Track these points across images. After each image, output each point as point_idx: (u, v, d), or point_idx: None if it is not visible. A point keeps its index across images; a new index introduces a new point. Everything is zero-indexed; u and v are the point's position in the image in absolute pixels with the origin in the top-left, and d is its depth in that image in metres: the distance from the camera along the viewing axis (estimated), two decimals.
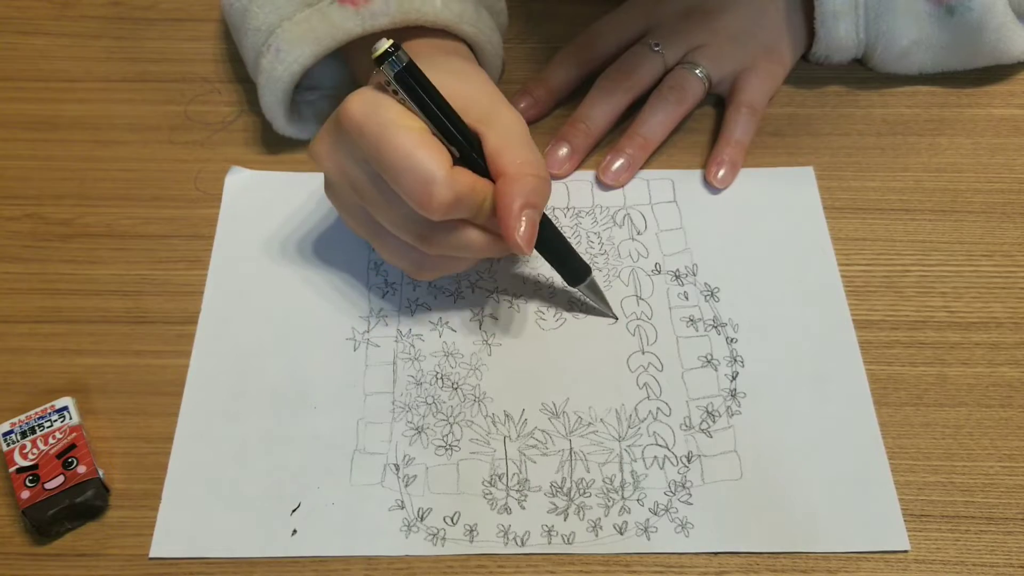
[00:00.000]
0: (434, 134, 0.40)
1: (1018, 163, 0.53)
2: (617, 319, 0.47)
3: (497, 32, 0.52)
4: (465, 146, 0.41)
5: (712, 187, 0.52)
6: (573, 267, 0.46)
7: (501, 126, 0.41)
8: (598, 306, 0.47)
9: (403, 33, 0.47)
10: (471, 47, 0.50)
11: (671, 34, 0.54)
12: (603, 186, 0.52)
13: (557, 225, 0.46)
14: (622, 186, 0.52)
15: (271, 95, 0.50)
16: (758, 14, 0.55)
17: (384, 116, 0.39)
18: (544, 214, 0.43)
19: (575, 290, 0.47)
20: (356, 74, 0.52)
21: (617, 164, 0.52)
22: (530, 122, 0.54)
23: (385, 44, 0.38)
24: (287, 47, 0.48)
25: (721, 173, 0.52)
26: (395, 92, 0.39)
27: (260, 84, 0.50)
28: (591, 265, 0.47)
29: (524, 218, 0.40)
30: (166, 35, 0.60)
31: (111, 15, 0.61)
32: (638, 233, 0.51)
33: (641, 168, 0.53)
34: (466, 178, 0.40)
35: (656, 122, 0.52)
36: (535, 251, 0.43)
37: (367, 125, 0.39)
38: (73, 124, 0.55)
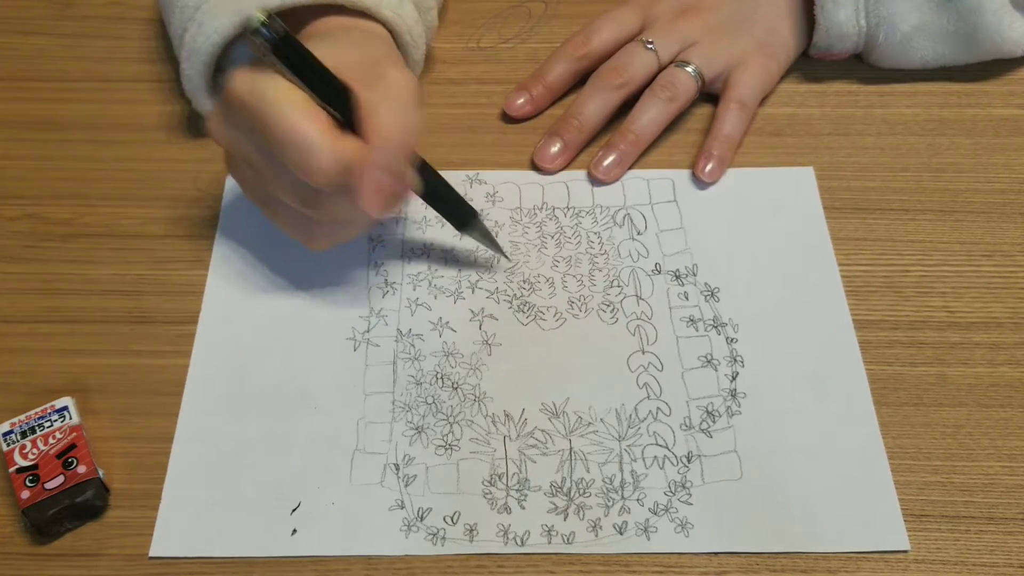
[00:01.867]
0: (318, 104, 0.40)
1: (1018, 163, 0.53)
2: (511, 260, 0.48)
3: (421, 25, 0.51)
4: (347, 111, 0.41)
5: (700, 182, 0.52)
6: (458, 213, 0.47)
7: (381, 88, 0.41)
8: (492, 248, 0.48)
9: (322, 11, 0.47)
10: (391, 35, 0.50)
11: (666, 31, 0.55)
12: (594, 181, 0.52)
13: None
14: (613, 181, 0.52)
15: (191, 68, 0.49)
16: (752, 8, 0.55)
17: (265, 90, 0.40)
18: (424, 160, 0.44)
19: (465, 233, 0.48)
20: None
21: (609, 160, 0.52)
22: (526, 118, 0.55)
23: (260, 16, 0.39)
24: (208, 20, 0.48)
25: (709, 167, 0.52)
26: (272, 63, 0.40)
27: (183, 58, 0.49)
28: (592, 265, 0.47)
29: (373, 182, 0.40)
30: (166, 35, 0.60)
31: (111, 15, 0.61)
32: (638, 233, 0.51)
33: (639, 167, 0.53)
34: (350, 145, 0.40)
35: (648, 119, 0.52)
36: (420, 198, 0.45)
37: (249, 100, 0.40)
38: (73, 124, 0.55)
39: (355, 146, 0.40)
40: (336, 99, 0.41)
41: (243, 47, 0.51)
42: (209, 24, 0.48)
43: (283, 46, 0.40)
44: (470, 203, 0.47)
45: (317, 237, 0.45)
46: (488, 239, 0.48)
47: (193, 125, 0.55)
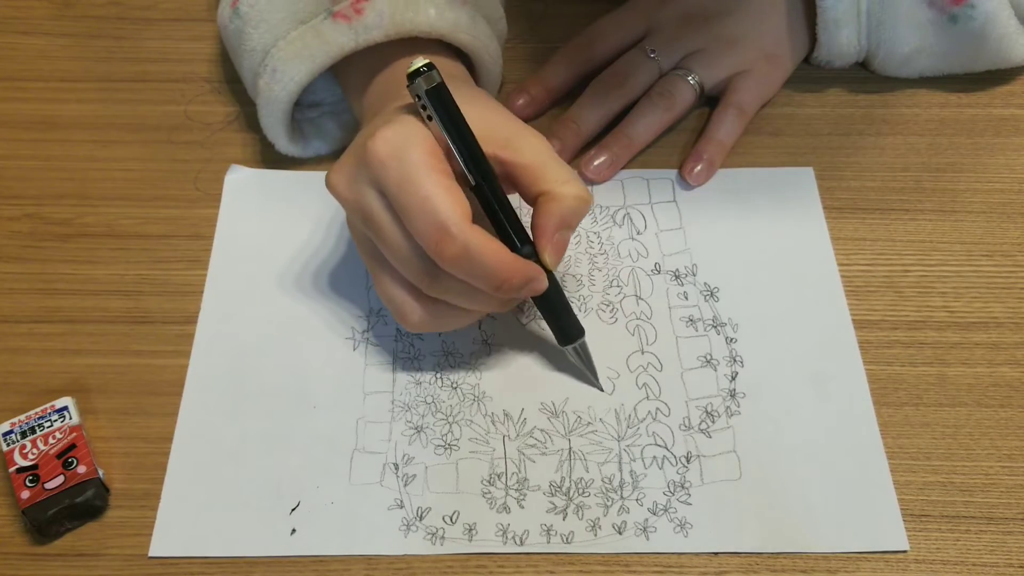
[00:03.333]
0: (455, 158, 0.39)
1: (1018, 163, 0.53)
2: (603, 391, 0.45)
3: (495, 40, 0.51)
4: (489, 171, 0.40)
5: (686, 183, 0.52)
6: (564, 324, 0.44)
7: (530, 147, 0.41)
8: (585, 372, 0.45)
9: (398, 46, 0.47)
10: (469, 57, 0.50)
11: (670, 38, 0.54)
12: (584, 179, 0.52)
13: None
14: (603, 182, 0.52)
15: (270, 116, 0.49)
16: (759, 19, 0.55)
17: (410, 156, 0.38)
18: (551, 273, 0.42)
19: (565, 350, 0.45)
20: (346, 90, 0.51)
21: (600, 160, 0.52)
22: (526, 120, 0.54)
23: (420, 61, 0.38)
24: (282, 67, 0.48)
25: (697, 169, 0.52)
26: (423, 108, 0.39)
27: (259, 106, 0.50)
28: (592, 267, 0.47)
29: (557, 236, 0.40)
30: (166, 35, 0.60)
31: (111, 15, 0.61)
32: (638, 233, 0.51)
33: (639, 166, 0.53)
34: (480, 236, 0.39)
35: (644, 124, 0.52)
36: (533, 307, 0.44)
37: (391, 162, 0.38)
38: (73, 124, 0.55)
39: (487, 240, 0.39)
40: (475, 155, 0.40)
41: (320, 88, 0.51)
42: (284, 72, 0.48)
43: (437, 93, 0.39)
44: (581, 322, 0.45)
45: (419, 319, 0.42)
46: (587, 361, 0.45)
47: (193, 125, 0.55)
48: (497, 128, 0.41)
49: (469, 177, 0.40)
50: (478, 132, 0.40)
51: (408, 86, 0.39)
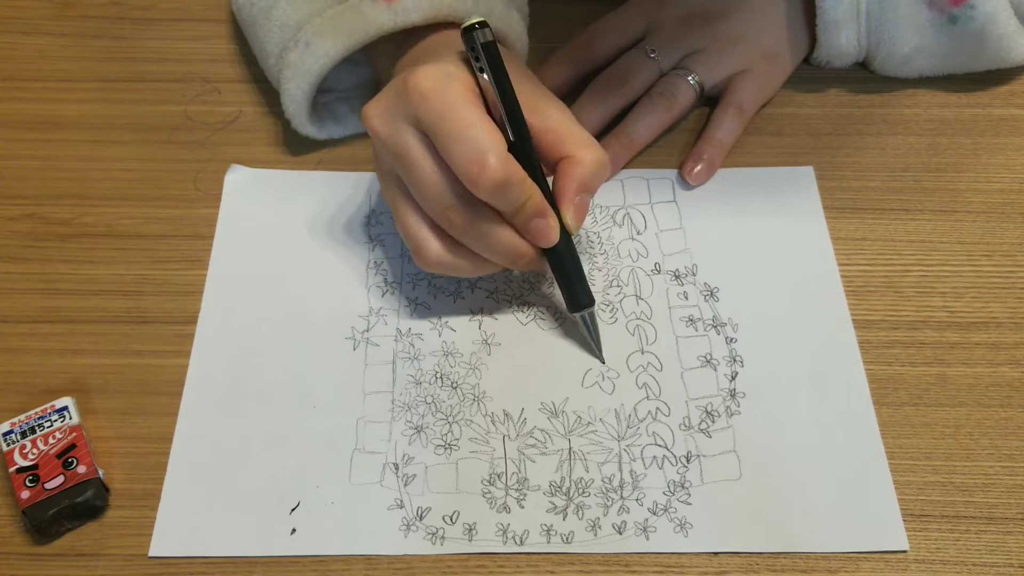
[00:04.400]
0: (500, 118, 0.41)
1: (1018, 163, 0.53)
2: (604, 363, 0.46)
3: (525, 32, 0.52)
4: (526, 132, 0.42)
5: (686, 183, 0.52)
6: (576, 290, 0.45)
7: (556, 112, 0.43)
8: (589, 342, 0.46)
9: (434, 29, 0.48)
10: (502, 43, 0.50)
11: (670, 38, 0.54)
12: None
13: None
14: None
15: (298, 88, 0.50)
16: (760, 19, 0.55)
17: (452, 89, 0.40)
18: (568, 236, 0.43)
19: (573, 316, 0.46)
20: (379, 72, 0.52)
21: None
22: None
23: (475, 18, 0.41)
24: (318, 40, 0.48)
25: (697, 169, 0.52)
26: (476, 60, 0.41)
27: (286, 78, 0.50)
28: (591, 268, 0.47)
29: (578, 199, 0.42)
30: (166, 35, 0.60)
31: (111, 15, 0.61)
32: (638, 233, 0.51)
33: (639, 166, 0.53)
34: (519, 167, 0.41)
35: (644, 124, 0.52)
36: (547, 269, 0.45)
37: (432, 95, 0.40)
38: (73, 124, 0.55)
39: (523, 172, 0.41)
40: (517, 113, 0.41)
41: (337, 74, 0.52)
42: (319, 46, 0.48)
43: (491, 48, 0.41)
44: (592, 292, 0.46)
45: (436, 255, 0.43)
46: (592, 333, 0.46)
47: (193, 125, 0.55)
48: (526, 92, 0.42)
49: (507, 134, 0.41)
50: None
51: (464, 37, 0.41)
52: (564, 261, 0.44)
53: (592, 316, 0.46)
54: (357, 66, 0.53)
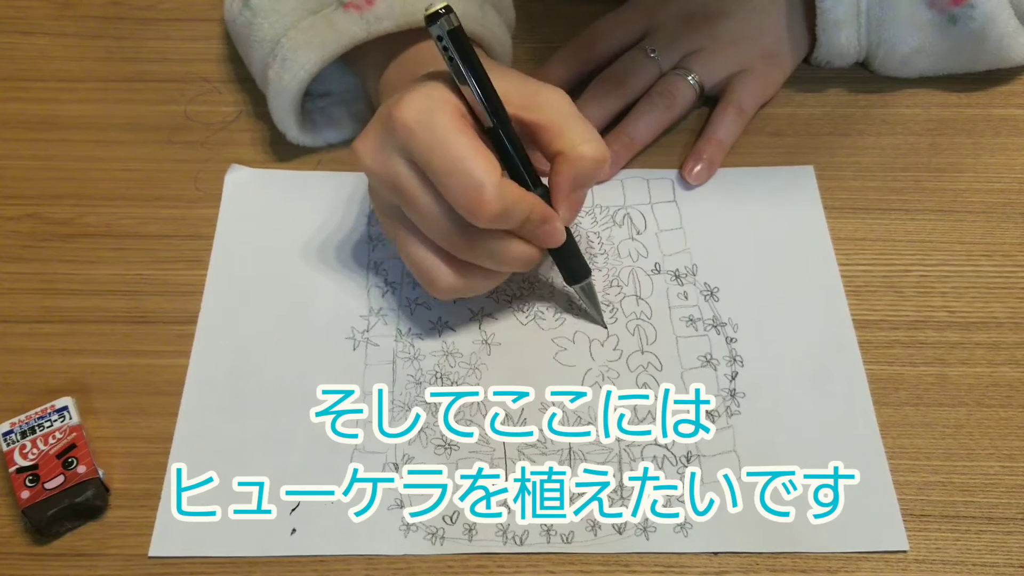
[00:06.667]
0: (476, 104, 0.40)
1: (1018, 163, 0.53)
2: (607, 329, 0.47)
3: (505, 29, 0.51)
4: (504, 114, 0.40)
5: (686, 183, 0.52)
6: (574, 266, 0.46)
7: (550, 106, 0.42)
8: (590, 311, 0.47)
9: (409, 36, 0.47)
10: (480, 47, 0.50)
11: (671, 38, 0.54)
12: None
13: None
14: (603, 182, 0.52)
15: (280, 105, 0.50)
16: (760, 19, 0.55)
17: (438, 121, 0.39)
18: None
19: (571, 289, 0.47)
20: (364, 79, 0.51)
21: None
22: None
23: (439, 4, 0.38)
24: (292, 55, 0.48)
25: (697, 169, 0.52)
26: (444, 50, 0.39)
27: (269, 95, 0.50)
28: (591, 266, 0.47)
29: (572, 197, 0.42)
30: (166, 35, 0.60)
31: (111, 15, 0.61)
32: (638, 233, 0.51)
33: (639, 166, 0.53)
34: (515, 190, 0.40)
35: (644, 124, 0.52)
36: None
37: (420, 129, 0.39)
38: (73, 124, 0.55)
39: (520, 193, 0.40)
40: (493, 100, 0.40)
41: (330, 78, 0.51)
42: (294, 61, 0.48)
43: (457, 35, 0.39)
44: (588, 261, 0.46)
45: (448, 282, 0.43)
46: (592, 300, 0.47)
47: (193, 125, 0.55)
48: (515, 90, 0.41)
49: (485, 119, 0.40)
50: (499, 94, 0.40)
51: (427, 27, 0.39)
52: (562, 244, 0.44)
53: (590, 286, 0.46)
54: (352, 65, 0.53)
